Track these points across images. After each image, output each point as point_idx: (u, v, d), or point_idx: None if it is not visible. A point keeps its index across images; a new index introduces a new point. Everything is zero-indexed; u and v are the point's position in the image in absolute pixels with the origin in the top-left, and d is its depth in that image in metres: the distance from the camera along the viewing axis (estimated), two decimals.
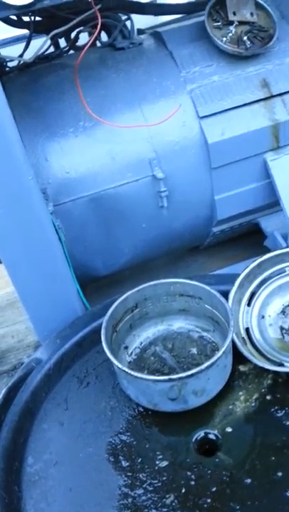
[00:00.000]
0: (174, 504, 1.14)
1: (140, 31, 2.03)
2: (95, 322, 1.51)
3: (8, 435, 1.28)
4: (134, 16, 1.96)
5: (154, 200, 1.78)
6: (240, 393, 1.35)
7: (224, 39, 1.80)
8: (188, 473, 1.19)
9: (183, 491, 1.16)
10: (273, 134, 1.84)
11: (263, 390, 1.34)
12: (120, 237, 1.83)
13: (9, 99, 1.35)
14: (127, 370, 1.25)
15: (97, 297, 1.82)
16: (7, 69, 1.92)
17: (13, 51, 1.96)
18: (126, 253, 1.90)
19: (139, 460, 1.23)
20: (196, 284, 1.44)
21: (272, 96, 1.83)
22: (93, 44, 1.94)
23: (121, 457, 1.24)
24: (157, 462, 1.22)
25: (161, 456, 1.23)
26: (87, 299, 1.72)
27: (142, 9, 1.99)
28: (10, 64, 1.93)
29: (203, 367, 1.21)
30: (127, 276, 2.13)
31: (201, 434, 1.27)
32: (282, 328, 1.48)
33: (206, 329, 1.49)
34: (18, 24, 1.86)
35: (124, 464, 1.23)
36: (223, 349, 1.24)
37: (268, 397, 1.33)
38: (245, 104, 1.81)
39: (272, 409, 1.30)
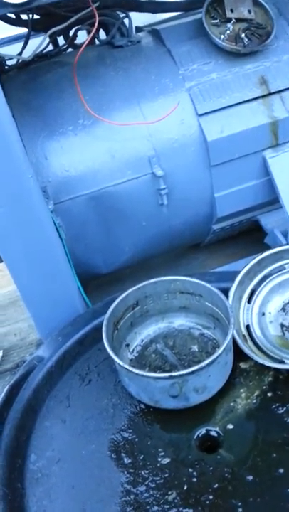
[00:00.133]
0: (176, 501, 1.14)
1: (138, 29, 2.03)
2: (96, 320, 1.51)
3: (10, 433, 1.28)
4: (132, 14, 1.96)
5: (153, 198, 1.79)
6: (242, 390, 1.35)
7: (222, 36, 1.79)
8: (190, 470, 1.20)
9: (185, 487, 1.17)
10: (272, 131, 1.84)
11: (264, 387, 1.35)
12: (120, 235, 1.84)
13: (8, 98, 1.35)
14: (128, 367, 1.25)
15: (98, 295, 1.83)
16: (6, 67, 1.92)
17: (12, 50, 1.96)
18: (126, 251, 1.90)
19: (141, 457, 1.24)
20: (197, 282, 1.44)
21: (271, 93, 1.83)
22: (92, 42, 1.94)
23: (123, 454, 1.25)
24: (159, 459, 1.23)
25: (163, 453, 1.24)
26: (88, 296, 1.73)
27: (140, 7, 1.99)
28: (9, 62, 1.93)
29: (203, 364, 1.21)
30: (128, 274, 2.13)
31: (202, 431, 1.28)
32: (282, 326, 1.49)
33: (207, 326, 1.50)
34: (17, 22, 1.85)
35: (127, 460, 1.23)
36: (223, 346, 1.25)
37: (269, 394, 1.33)
38: (243, 102, 1.80)
39: (274, 406, 1.30)
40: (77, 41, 1.99)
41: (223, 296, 1.37)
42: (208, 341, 1.48)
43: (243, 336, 1.45)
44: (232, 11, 1.81)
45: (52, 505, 1.16)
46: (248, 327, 1.47)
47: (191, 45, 1.84)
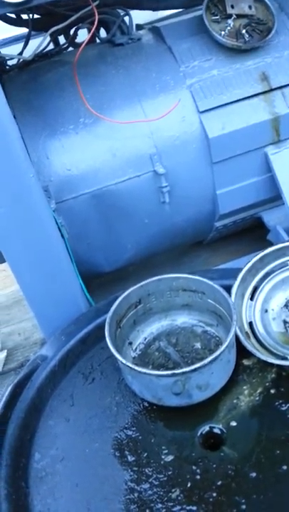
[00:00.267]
0: (179, 498, 1.14)
1: (139, 27, 2.03)
2: (99, 318, 1.52)
3: (14, 432, 1.29)
4: (133, 12, 1.96)
5: (155, 196, 1.79)
6: (245, 387, 1.35)
7: (223, 33, 1.79)
8: (194, 467, 1.20)
9: (188, 485, 1.17)
10: (274, 127, 1.83)
11: (267, 384, 1.35)
12: (123, 233, 1.84)
13: (9, 98, 1.36)
14: (130, 365, 1.25)
15: (101, 293, 1.83)
16: (7, 67, 1.92)
17: (13, 50, 1.97)
18: (129, 249, 1.91)
19: (145, 455, 1.24)
20: (199, 279, 1.44)
21: (272, 89, 1.82)
22: (92, 40, 1.94)
23: (127, 452, 1.25)
24: (163, 457, 1.23)
25: (166, 451, 1.24)
26: (91, 295, 1.73)
27: (140, 4, 1.98)
28: (10, 62, 1.94)
29: (206, 361, 1.21)
30: (131, 272, 2.13)
31: (205, 428, 1.28)
32: (285, 322, 1.49)
33: (210, 324, 1.50)
34: (17, 22, 1.86)
35: (130, 458, 1.24)
36: (226, 343, 1.25)
37: (272, 391, 1.33)
38: (244, 98, 1.80)
39: (277, 403, 1.30)
40: (79, 40, 1.99)
41: (225, 294, 1.37)
42: (211, 339, 1.48)
43: (246, 332, 1.45)
44: (232, 7, 1.81)
45: (56, 503, 1.17)
46: (250, 324, 1.47)
47: (191, 42, 1.83)
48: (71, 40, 1.96)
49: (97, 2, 1.60)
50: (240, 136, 1.80)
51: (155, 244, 1.95)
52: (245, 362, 1.40)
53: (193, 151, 1.78)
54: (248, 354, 1.38)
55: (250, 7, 1.82)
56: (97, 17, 1.52)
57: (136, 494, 1.16)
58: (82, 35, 1.95)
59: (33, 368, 1.43)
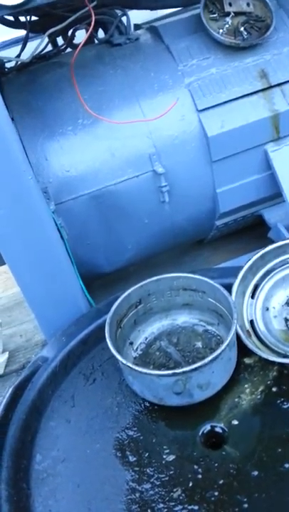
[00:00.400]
0: (181, 498, 1.14)
1: (137, 26, 2.03)
2: (100, 319, 1.51)
3: (16, 433, 1.29)
4: (132, 12, 1.96)
5: (155, 196, 1.78)
6: (246, 386, 1.35)
7: (221, 31, 1.79)
8: (195, 466, 1.20)
9: (190, 484, 1.16)
10: (273, 124, 1.83)
11: (269, 382, 1.34)
12: (123, 234, 1.84)
13: (8, 100, 1.36)
14: (131, 365, 1.25)
15: (103, 294, 1.83)
16: (6, 70, 1.92)
17: (11, 53, 1.97)
18: (129, 249, 1.90)
19: (146, 455, 1.24)
20: (199, 278, 1.44)
21: (271, 86, 1.82)
22: (91, 41, 1.94)
23: (128, 452, 1.25)
24: (164, 456, 1.23)
25: (168, 451, 1.24)
26: (92, 296, 1.73)
27: (138, 4, 1.98)
28: (8, 65, 1.94)
29: (206, 360, 1.21)
30: (132, 273, 2.13)
31: (207, 427, 1.28)
32: (286, 320, 1.48)
33: (211, 323, 1.49)
34: (15, 25, 1.86)
35: (132, 459, 1.23)
36: (226, 342, 1.24)
37: (274, 389, 1.32)
38: (244, 96, 1.80)
39: (278, 401, 1.29)
40: (77, 41, 1.99)
41: (226, 292, 1.36)
42: (212, 338, 1.47)
43: (247, 331, 1.44)
44: (230, 4, 1.81)
45: (57, 504, 1.17)
46: (251, 322, 1.47)
47: (189, 40, 1.83)
48: (69, 42, 1.97)
49: (94, 3, 1.60)
50: (240, 134, 1.80)
51: (156, 243, 1.95)
52: (247, 360, 1.40)
53: (192, 150, 1.78)
54: (250, 352, 1.37)
55: (248, 4, 1.82)
56: (94, 18, 1.52)
57: (137, 494, 1.16)
58: (81, 36, 1.95)
59: (34, 370, 1.43)
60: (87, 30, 1.88)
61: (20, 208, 1.41)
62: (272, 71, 1.82)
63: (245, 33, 1.81)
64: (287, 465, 1.16)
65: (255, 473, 1.16)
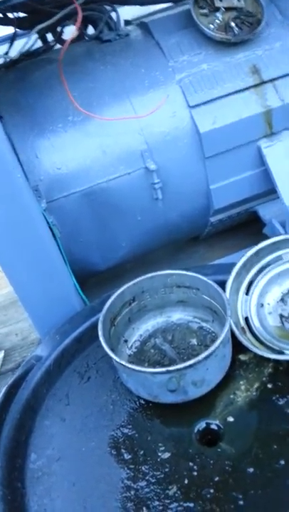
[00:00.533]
0: (176, 495, 1.13)
1: (127, 22, 2.02)
2: (94, 317, 1.50)
3: (10, 433, 1.28)
4: (122, 8, 1.94)
5: (148, 193, 1.78)
6: (241, 382, 1.34)
7: (211, 26, 1.78)
8: (191, 463, 1.19)
9: (186, 481, 1.16)
10: (266, 120, 1.82)
11: (264, 379, 1.34)
12: (116, 231, 1.83)
13: None
14: (124, 363, 1.25)
15: (98, 292, 1.81)
16: None
17: (1, 51, 1.95)
18: (123, 246, 1.90)
19: (142, 452, 1.23)
20: (193, 275, 1.43)
21: (264, 82, 1.81)
22: (80, 38, 1.93)
23: (123, 450, 1.24)
24: (159, 454, 1.22)
25: (163, 448, 1.23)
26: (88, 294, 1.72)
27: (128, 0, 1.97)
28: None
29: (200, 358, 1.20)
30: (128, 270, 2.12)
31: (202, 424, 1.27)
32: (281, 316, 1.47)
33: (205, 320, 1.49)
34: (3, 21, 1.84)
35: (127, 456, 1.23)
36: (220, 339, 1.24)
37: (269, 386, 1.32)
38: (236, 92, 1.79)
39: (274, 398, 1.29)
40: (67, 37, 1.97)
41: (219, 289, 1.36)
42: (207, 334, 1.47)
43: (242, 328, 1.44)
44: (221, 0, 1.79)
45: (53, 503, 1.16)
46: (246, 319, 1.46)
47: (180, 36, 1.82)
48: (58, 38, 1.95)
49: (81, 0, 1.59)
50: (232, 130, 1.79)
51: (150, 240, 1.94)
52: (242, 357, 1.39)
53: (184, 147, 1.77)
54: (245, 349, 1.37)
55: None
56: (80, 14, 1.51)
57: (133, 492, 1.15)
58: (71, 33, 1.94)
59: (28, 368, 1.42)
60: None
61: (10, 206, 1.40)
62: (264, 66, 1.81)
63: (236, 29, 1.80)
64: (282, 462, 1.16)
65: (251, 470, 1.16)
